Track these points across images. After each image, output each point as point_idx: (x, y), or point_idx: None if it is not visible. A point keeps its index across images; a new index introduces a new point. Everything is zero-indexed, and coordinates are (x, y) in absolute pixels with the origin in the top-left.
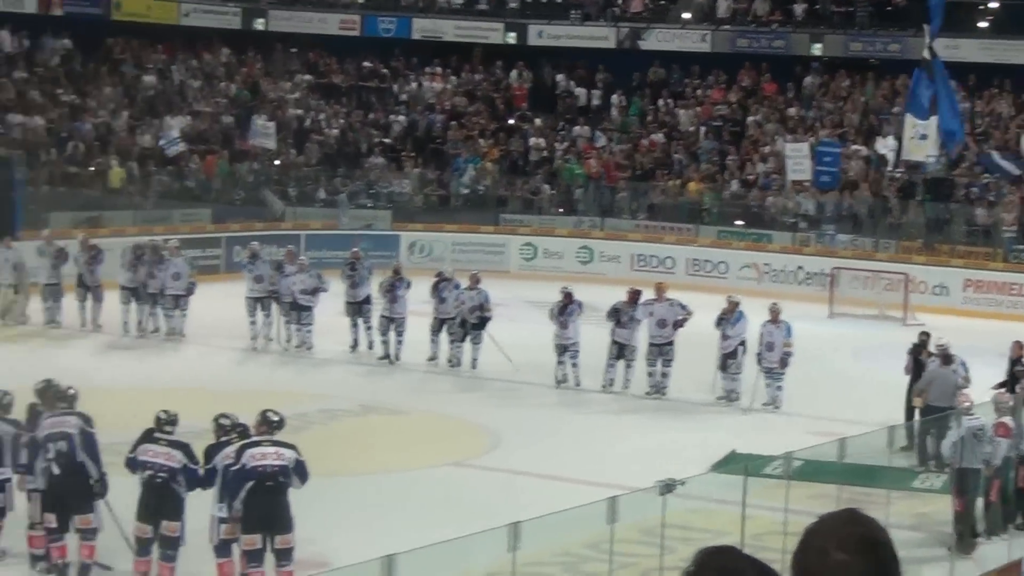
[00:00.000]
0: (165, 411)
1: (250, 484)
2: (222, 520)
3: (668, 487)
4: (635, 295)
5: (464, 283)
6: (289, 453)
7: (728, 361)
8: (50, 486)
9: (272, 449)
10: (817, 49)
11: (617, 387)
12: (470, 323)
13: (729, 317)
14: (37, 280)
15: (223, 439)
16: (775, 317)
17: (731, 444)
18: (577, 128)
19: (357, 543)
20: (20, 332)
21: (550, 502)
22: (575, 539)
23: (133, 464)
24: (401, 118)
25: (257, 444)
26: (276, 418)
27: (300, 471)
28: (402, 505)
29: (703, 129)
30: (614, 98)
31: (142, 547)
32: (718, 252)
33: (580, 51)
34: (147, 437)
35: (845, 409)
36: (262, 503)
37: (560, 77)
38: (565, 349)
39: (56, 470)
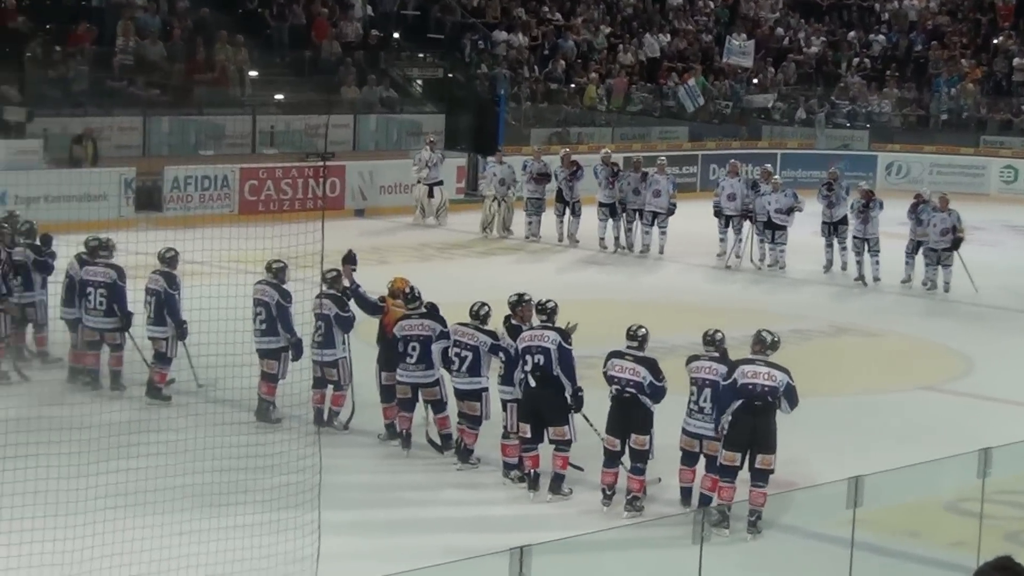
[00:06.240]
0: (633, 326)
1: (739, 402)
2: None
3: None
4: None
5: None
6: (780, 376)
7: None
8: (526, 397)
9: (765, 369)
10: None
11: None
12: (942, 246)
13: None
14: (520, 194)
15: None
16: None
17: None
18: None
19: (826, 464)
20: (502, 245)
21: (1022, 429)
22: None
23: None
24: (881, 37)
25: (751, 362)
26: (771, 338)
27: (790, 395)
28: (872, 427)
29: None
30: None
31: (610, 459)
32: None
33: None
34: (616, 352)
35: None
36: (748, 421)
37: None
38: None
39: (532, 382)
